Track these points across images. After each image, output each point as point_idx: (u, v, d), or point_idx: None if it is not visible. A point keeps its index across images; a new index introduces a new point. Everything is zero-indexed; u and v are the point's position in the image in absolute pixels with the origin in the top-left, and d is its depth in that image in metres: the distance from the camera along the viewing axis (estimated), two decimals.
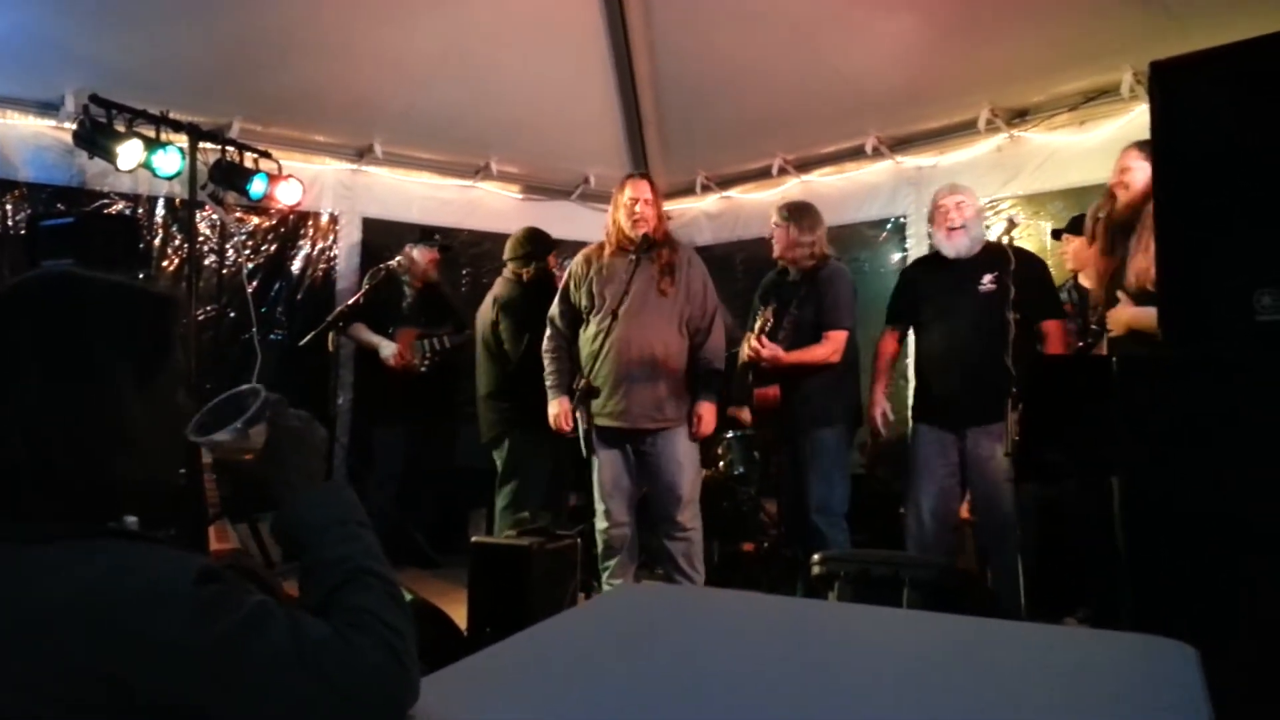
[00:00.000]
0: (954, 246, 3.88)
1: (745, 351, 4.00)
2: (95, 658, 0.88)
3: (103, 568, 0.93)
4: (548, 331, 4.04)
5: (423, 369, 5.12)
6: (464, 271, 6.30)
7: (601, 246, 3.95)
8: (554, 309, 4.04)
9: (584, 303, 3.89)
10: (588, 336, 3.86)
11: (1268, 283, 1.78)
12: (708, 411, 3.84)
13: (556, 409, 3.91)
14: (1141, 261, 3.07)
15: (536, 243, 4.85)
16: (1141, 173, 3.22)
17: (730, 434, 4.50)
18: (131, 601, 0.90)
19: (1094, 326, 3.55)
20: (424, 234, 5.55)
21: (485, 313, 4.92)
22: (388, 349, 5.06)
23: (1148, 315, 2.94)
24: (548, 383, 3.98)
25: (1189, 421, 1.82)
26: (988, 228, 4.01)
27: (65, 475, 1.00)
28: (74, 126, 4.35)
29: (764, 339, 3.85)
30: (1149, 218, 3.07)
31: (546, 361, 4.00)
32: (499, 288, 4.90)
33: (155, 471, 1.09)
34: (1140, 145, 3.31)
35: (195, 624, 0.91)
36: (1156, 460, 1.85)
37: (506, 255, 4.93)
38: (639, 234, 3.78)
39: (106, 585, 0.91)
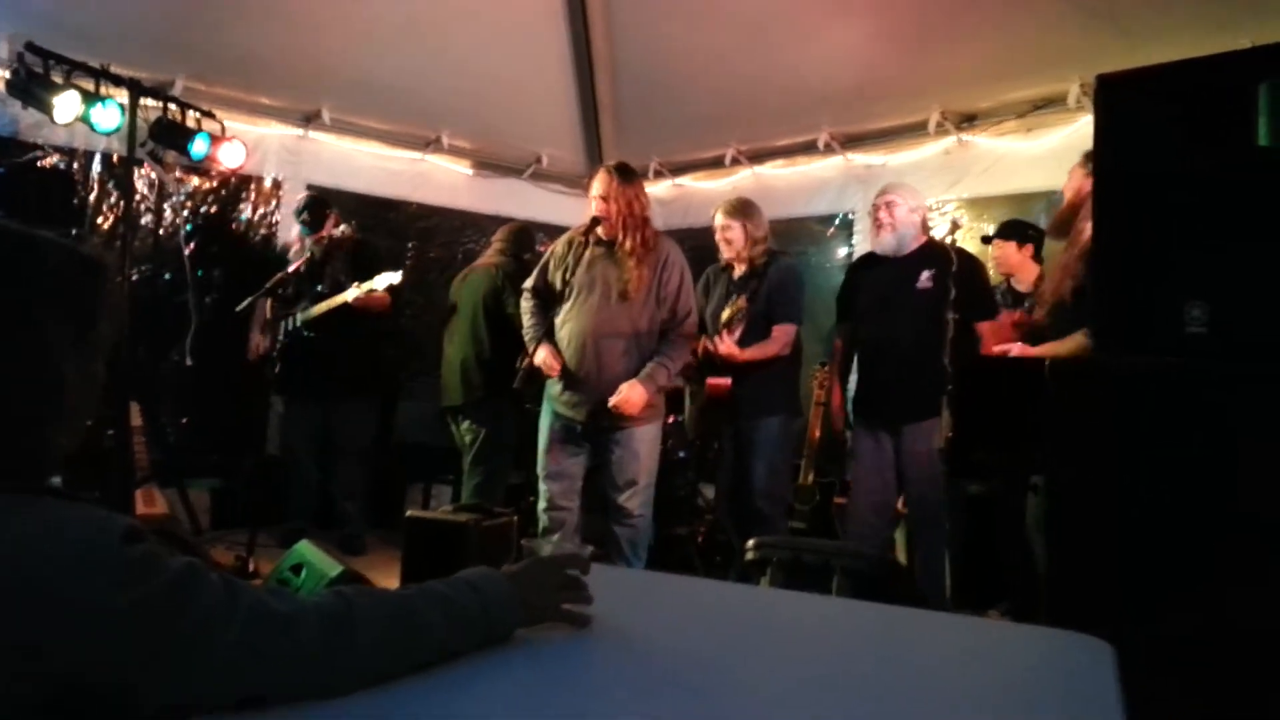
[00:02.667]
0: (880, 244, 3.99)
1: (703, 343, 4.00)
2: (14, 622, 0.86)
3: (28, 526, 0.90)
4: (525, 298, 3.96)
5: (274, 353, 4.81)
6: (410, 245, 6.23)
7: (581, 232, 3.84)
8: (530, 281, 3.96)
9: (557, 285, 3.82)
10: (557, 324, 3.80)
11: (1198, 295, 1.83)
12: (632, 391, 3.62)
13: (543, 353, 3.74)
14: (1059, 275, 3.16)
15: (521, 244, 4.94)
16: (1073, 182, 3.31)
17: (671, 419, 4.52)
18: (54, 563, 0.88)
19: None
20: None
21: (479, 280, 4.82)
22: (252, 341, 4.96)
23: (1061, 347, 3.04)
24: (528, 336, 3.83)
25: (1115, 426, 1.87)
26: (932, 228, 4.07)
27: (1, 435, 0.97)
28: (7, 75, 4.21)
29: (724, 335, 3.89)
30: (1075, 234, 3.17)
31: (526, 319, 3.90)
32: (495, 259, 4.86)
33: (78, 434, 1.06)
34: (1087, 156, 3.39)
35: (123, 585, 0.88)
36: (1081, 462, 1.90)
37: (499, 239, 5.01)
38: (596, 230, 3.72)
39: (30, 543, 0.88)
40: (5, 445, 0.97)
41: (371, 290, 4.53)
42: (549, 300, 3.85)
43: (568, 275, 3.75)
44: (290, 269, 4.71)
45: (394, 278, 4.56)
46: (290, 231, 5.35)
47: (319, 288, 4.80)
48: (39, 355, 1.00)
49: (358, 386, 4.93)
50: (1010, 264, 4.24)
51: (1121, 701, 1.10)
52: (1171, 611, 1.72)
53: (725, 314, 3.90)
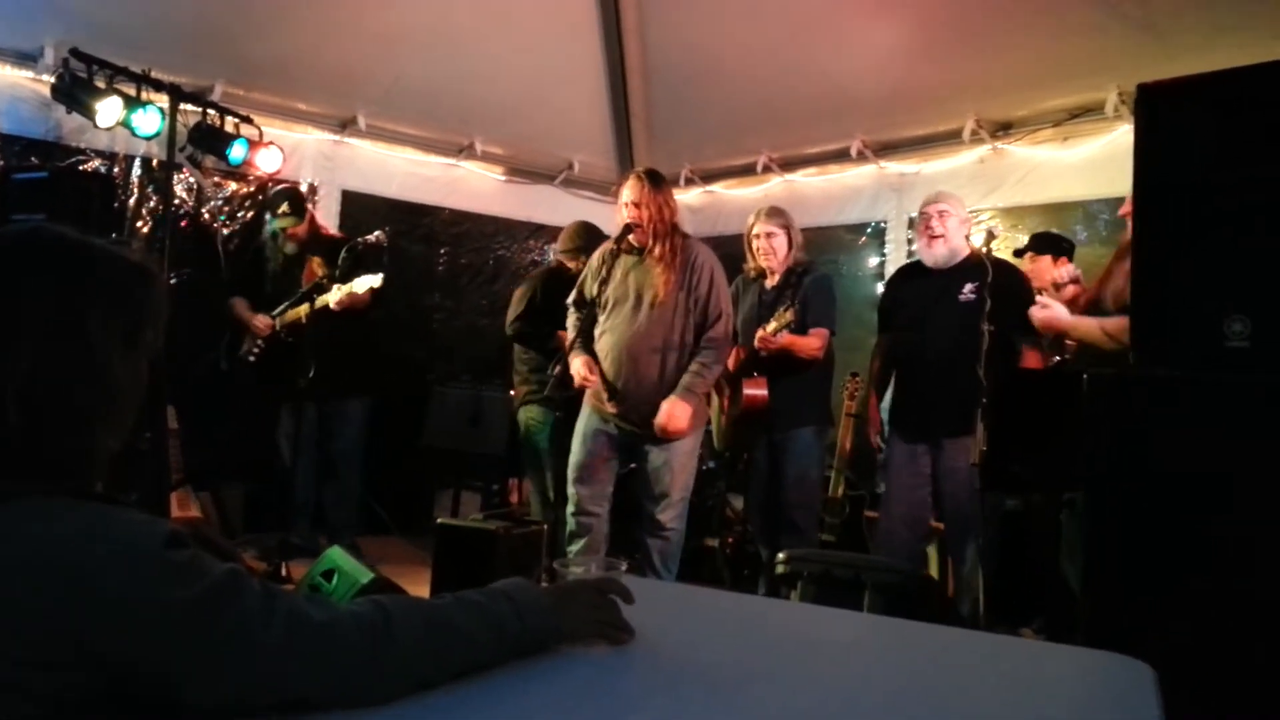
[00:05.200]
0: (932, 255, 3.91)
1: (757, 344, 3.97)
2: (63, 617, 0.88)
3: (74, 527, 0.92)
4: (570, 312, 3.96)
5: (249, 358, 4.77)
6: (442, 250, 6.27)
7: (613, 244, 3.84)
8: (571, 296, 3.94)
9: (594, 297, 3.81)
10: (596, 336, 3.79)
11: (1238, 309, 1.80)
12: (673, 408, 3.61)
13: (577, 363, 3.72)
14: (1118, 283, 3.11)
15: (590, 237, 4.70)
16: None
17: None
18: (102, 562, 0.90)
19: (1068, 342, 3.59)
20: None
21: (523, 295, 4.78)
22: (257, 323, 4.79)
23: (1083, 324, 2.99)
24: (571, 345, 3.82)
25: (1154, 441, 1.84)
26: (968, 238, 4.02)
27: (50, 437, 0.99)
28: (52, 79, 4.27)
29: (765, 332, 3.86)
30: (1127, 243, 3.12)
31: (570, 332, 3.88)
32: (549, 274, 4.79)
33: (122, 437, 1.09)
34: None
35: (165, 586, 0.90)
36: (1118, 477, 1.87)
37: (560, 248, 4.83)
38: (630, 238, 3.71)
39: (77, 545, 0.90)
40: (55, 446, 0.99)
41: (352, 292, 4.40)
42: (591, 312, 3.83)
43: (603, 287, 3.74)
44: (316, 273, 4.67)
45: (374, 280, 4.40)
46: (267, 228, 5.04)
47: (301, 288, 4.63)
48: (90, 359, 1.02)
49: (346, 387, 4.76)
50: (1045, 278, 4.17)
51: None
52: (1212, 631, 1.69)
53: (772, 326, 3.86)
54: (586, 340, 3.79)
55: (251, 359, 4.75)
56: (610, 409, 3.72)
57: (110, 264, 1.06)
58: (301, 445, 4.75)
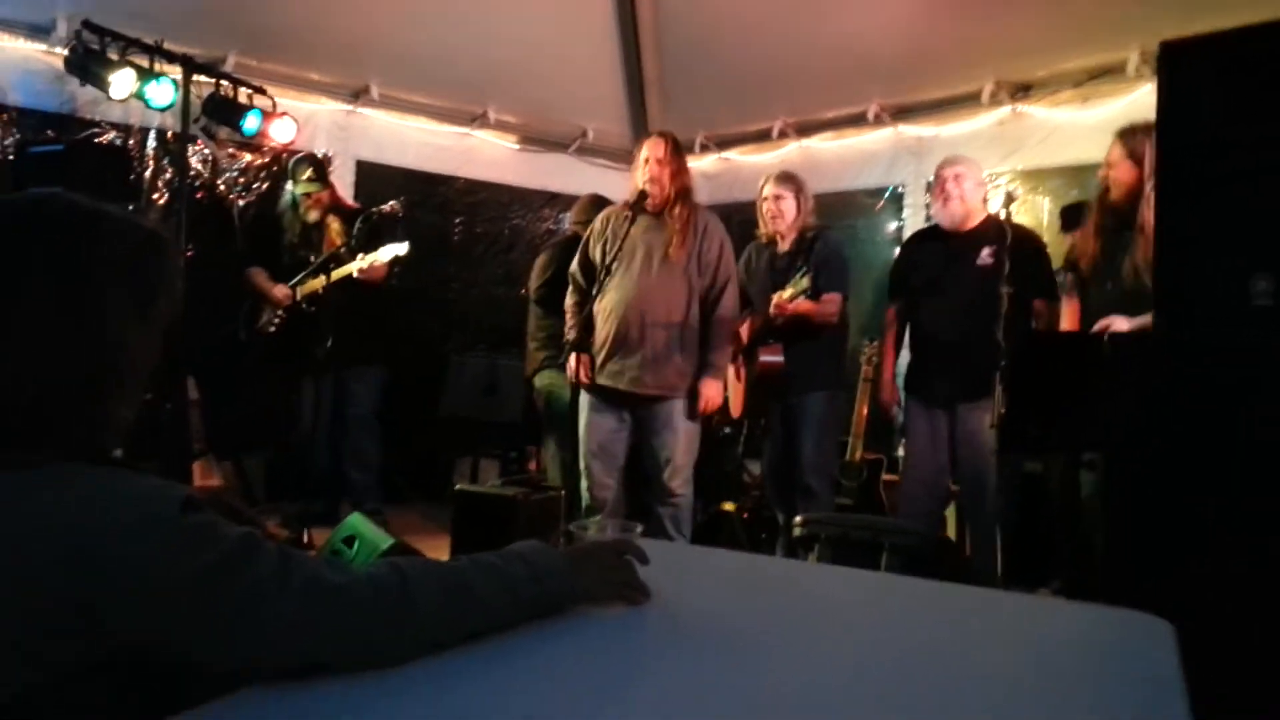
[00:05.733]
0: (948, 215, 3.89)
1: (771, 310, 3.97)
2: (73, 584, 0.88)
3: (88, 493, 0.92)
4: (570, 287, 3.99)
5: (269, 329, 4.77)
6: (457, 220, 6.26)
7: (625, 205, 3.87)
8: (574, 265, 3.98)
9: (599, 259, 3.85)
10: (597, 298, 3.82)
11: (1264, 268, 1.78)
12: (710, 389, 3.74)
13: (574, 362, 3.82)
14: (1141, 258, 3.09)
15: (604, 208, 4.75)
16: (1124, 171, 3.24)
17: None
18: (117, 526, 0.90)
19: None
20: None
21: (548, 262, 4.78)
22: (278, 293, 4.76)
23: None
24: (568, 337, 3.91)
25: (1178, 403, 1.83)
26: (985, 201, 3.99)
27: (64, 405, 0.99)
28: (65, 52, 4.27)
29: (781, 299, 3.86)
30: (1147, 227, 3.10)
31: (568, 316, 3.94)
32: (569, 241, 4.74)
33: (135, 406, 1.09)
34: (1123, 136, 3.32)
35: (181, 553, 0.91)
36: (1142, 439, 1.86)
37: (574, 219, 4.87)
38: (648, 193, 3.73)
39: (91, 510, 0.91)
40: (68, 414, 1.00)
41: (376, 261, 4.40)
42: (594, 277, 3.85)
43: (608, 248, 3.77)
44: (335, 243, 4.66)
45: (400, 249, 4.42)
46: (285, 196, 5.00)
47: (313, 257, 4.63)
48: (103, 327, 1.02)
49: (363, 355, 4.75)
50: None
51: (1183, 683, 1.08)
52: (1233, 590, 1.68)
53: (787, 293, 3.85)
54: (582, 332, 3.82)
55: (272, 330, 4.76)
56: (614, 369, 3.74)
57: (122, 232, 1.06)
58: (321, 414, 4.76)
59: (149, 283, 1.07)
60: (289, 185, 4.86)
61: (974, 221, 3.86)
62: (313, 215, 4.75)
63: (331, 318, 4.50)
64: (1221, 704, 1.22)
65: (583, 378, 3.81)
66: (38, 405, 0.98)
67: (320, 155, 5.43)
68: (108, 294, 1.02)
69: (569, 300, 3.97)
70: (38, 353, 0.98)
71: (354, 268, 4.44)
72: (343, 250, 4.53)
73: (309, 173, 4.70)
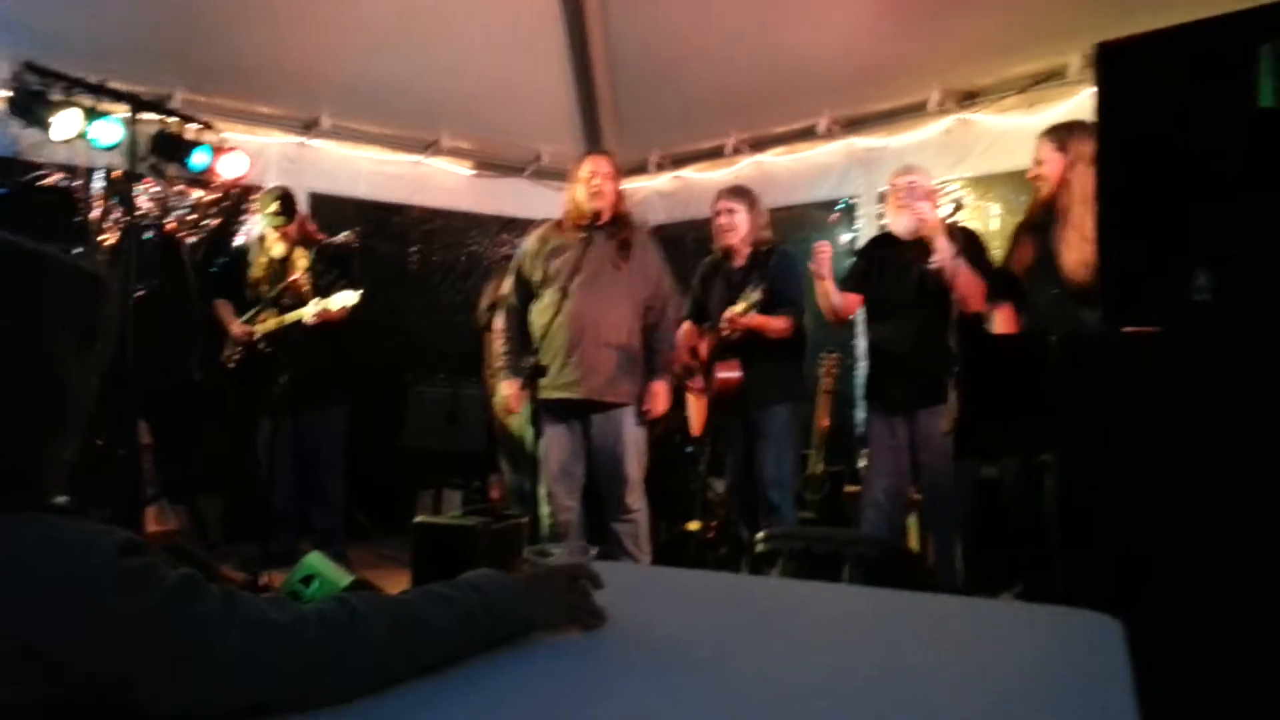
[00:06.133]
0: (901, 224, 3.92)
1: (722, 326, 3.98)
2: (19, 629, 0.86)
3: (26, 539, 0.90)
4: (502, 311, 4.01)
5: (229, 364, 4.73)
6: (413, 249, 6.23)
7: (558, 224, 3.92)
8: (506, 289, 4.01)
9: (537, 277, 3.86)
10: (539, 309, 3.83)
11: (1204, 263, 1.80)
12: (661, 389, 3.86)
13: (507, 390, 3.89)
14: (1075, 254, 3.11)
15: None
16: (1053, 165, 3.27)
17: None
18: (55, 572, 0.88)
19: None
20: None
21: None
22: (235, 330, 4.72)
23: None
24: (498, 364, 3.96)
25: (1125, 400, 1.84)
26: (936, 209, 4.02)
27: (2, 448, 0.97)
28: (8, 94, 4.21)
29: (733, 313, 3.88)
30: (1069, 213, 3.14)
31: (498, 344, 3.98)
32: None
33: (73, 451, 1.06)
34: (1051, 134, 3.36)
35: (120, 594, 0.89)
36: (1091, 438, 1.87)
37: None
38: (596, 208, 3.76)
39: (29, 556, 0.89)
40: (6, 457, 0.97)
41: (326, 309, 4.37)
42: (529, 299, 3.88)
43: (549, 264, 3.79)
44: (293, 278, 4.63)
45: (349, 299, 4.37)
46: (255, 230, 5.04)
47: (284, 300, 4.58)
48: (44, 370, 1.00)
49: (324, 396, 4.71)
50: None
51: (1131, 678, 1.08)
52: (1183, 586, 1.69)
53: (740, 306, 3.87)
54: (515, 359, 3.87)
55: (231, 366, 4.70)
56: (564, 380, 3.76)
57: (63, 273, 1.04)
58: (279, 454, 4.71)
59: (90, 325, 1.05)
60: (256, 217, 4.81)
61: (925, 229, 3.89)
62: (279, 249, 4.70)
63: (289, 357, 4.46)
64: (1170, 698, 1.22)
65: (515, 406, 3.89)
66: None
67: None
68: (49, 336, 1.01)
69: (500, 323, 3.98)
70: None
71: (306, 313, 4.40)
72: (304, 289, 4.50)
73: (274, 206, 4.64)
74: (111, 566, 0.90)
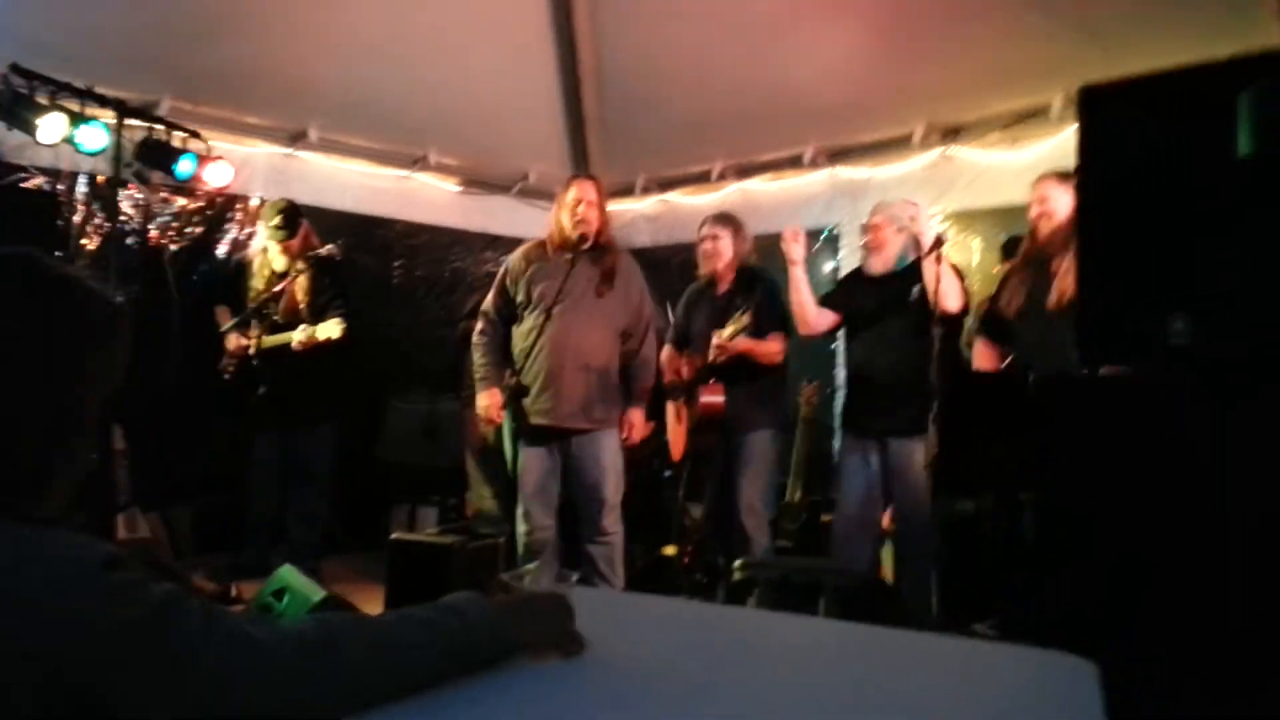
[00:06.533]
0: (870, 265, 4.02)
1: (711, 352, 3.99)
2: (8, 641, 0.87)
3: (10, 553, 0.91)
4: (479, 324, 4.00)
5: (225, 375, 4.73)
6: (397, 263, 6.21)
7: (542, 244, 3.93)
8: (488, 302, 4.00)
9: (519, 298, 3.87)
10: (521, 333, 3.84)
11: (1181, 307, 1.82)
12: (638, 418, 3.89)
13: (487, 400, 3.87)
14: (1066, 280, 3.14)
15: None
16: (1064, 201, 3.31)
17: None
18: (39, 586, 0.89)
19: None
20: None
21: None
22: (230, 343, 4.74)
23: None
24: (477, 375, 3.94)
25: (1101, 441, 1.86)
26: (918, 242, 4.05)
27: (11, 467, 0.99)
28: None
29: (721, 337, 3.92)
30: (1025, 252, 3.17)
31: (477, 354, 3.96)
32: None
33: (82, 468, 1.10)
34: (1057, 176, 3.41)
35: (104, 609, 0.89)
36: (1067, 476, 1.89)
37: None
38: (579, 234, 3.77)
39: (13, 570, 0.89)
40: (13, 474, 0.99)
41: (313, 336, 4.41)
42: (510, 317, 3.89)
43: (531, 286, 3.79)
44: (275, 287, 4.63)
45: (334, 331, 4.40)
46: (256, 241, 5.13)
47: (275, 317, 4.63)
48: (58, 390, 1.03)
49: (313, 414, 4.74)
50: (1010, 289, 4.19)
51: None
52: (1159, 628, 1.70)
53: (728, 331, 3.89)
54: (494, 370, 3.87)
55: (226, 377, 4.69)
56: (543, 405, 3.76)
57: (94, 301, 1.08)
58: (264, 466, 4.70)
59: (110, 353, 1.08)
60: (260, 228, 4.83)
61: (892, 265, 3.94)
62: (280, 263, 4.68)
63: (280, 373, 4.53)
64: None
65: (495, 416, 3.85)
66: None
67: (256, 200, 5.41)
68: (68, 358, 1.04)
69: (477, 337, 3.98)
70: None
71: (294, 338, 4.44)
72: (301, 306, 4.55)
73: (276, 220, 4.65)
74: (96, 581, 0.91)
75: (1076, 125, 2.03)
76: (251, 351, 4.63)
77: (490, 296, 4.01)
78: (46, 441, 1.02)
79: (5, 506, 0.97)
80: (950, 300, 3.60)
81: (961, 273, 3.97)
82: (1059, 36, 4.14)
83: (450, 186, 6.27)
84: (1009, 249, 4.43)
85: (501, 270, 4.05)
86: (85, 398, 1.06)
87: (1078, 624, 1.81)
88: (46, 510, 1.02)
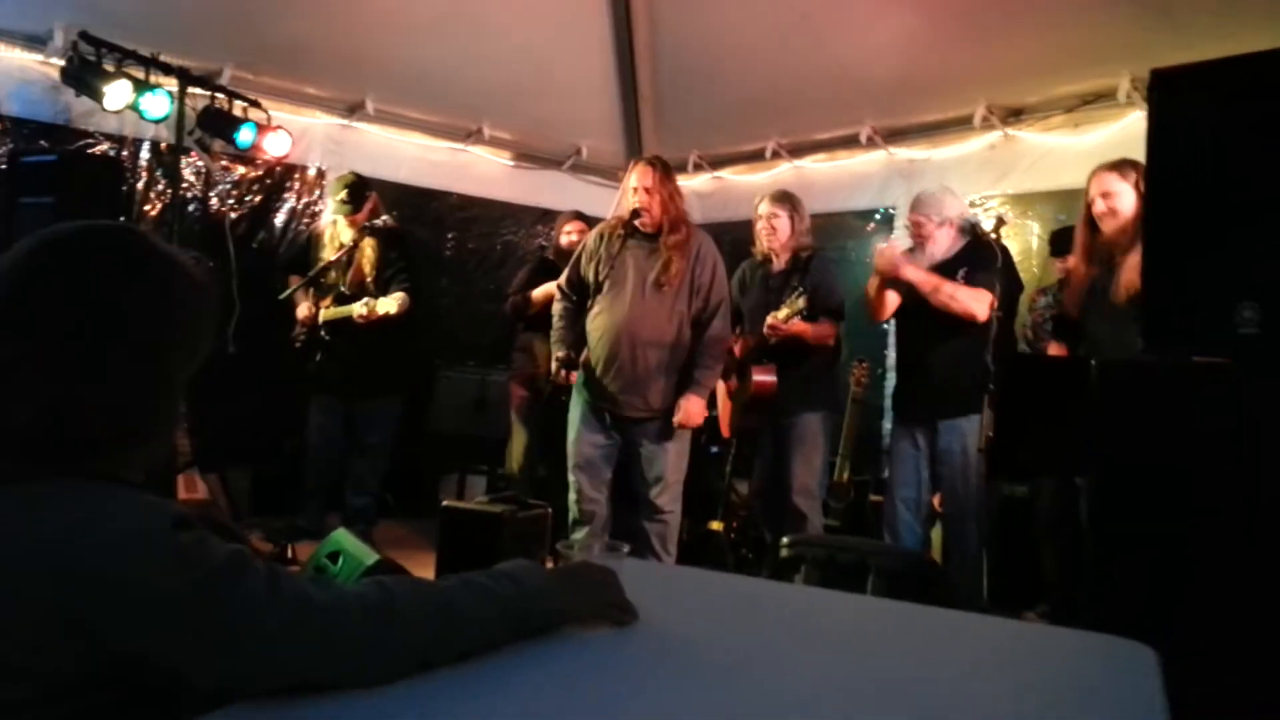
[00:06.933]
0: (919, 259, 3.94)
1: (743, 339, 3.98)
2: (63, 599, 0.88)
3: (79, 509, 0.93)
4: (557, 296, 4.01)
5: (295, 344, 4.79)
6: (449, 235, 6.27)
7: (618, 224, 3.87)
8: (563, 277, 4.00)
9: (590, 278, 3.85)
10: (590, 314, 3.83)
11: (1250, 295, 1.79)
12: (692, 405, 3.72)
13: (558, 363, 3.82)
14: (1131, 274, 3.08)
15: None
16: (1128, 196, 3.24)
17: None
18: (108, 544, 0.91)
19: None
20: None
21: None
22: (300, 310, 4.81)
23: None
24: (554, 337, 3.92)
25: (1163, 427, 1.84)
26: (962, 230, 3.99)
27: (94, 433, 1.00)
28: (62, 63, 4.27)
29: (776, 319, 3.88)
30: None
31: (556, 320, 3.95)
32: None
33: (167, 436, 1.13)
34: (1114, 167, 3.32)
35: (172, 569, 0.91)
36: (1127, 463, 1.87)
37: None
38: (636, 222, 3.74)
39: (83, 528, 0.91)
40: (92, 431, 1.00)
41: (374, 310, 4.47)
42: (583, 294, 3.87)
43: (600, 268, 3.77)
44: (334, 257, 4.69)
45: (392, 306, 4.49)
46: (325, 214, 5.25)
47: (342, 288, 4.71)
48: (155, 362, 1.05)
49: (377, 387, 4.81)
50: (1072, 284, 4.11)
51: (1166, 709, 1.08)
52: (1218, 617, 1.68)
53: (783, 312, 3.87)
54: (569, 332, 3.84)
55: (297, 345, 4.78)
56: (605, 390, 3.74)
57: (190, 278, 1.10)
58: (322, 435, 4.79)
59: (200, 327, 1.11)
60: (329, 202, 4.91)
61: (937, 259, 3.88)
62: (348, 235, 4.74)
63: (341, 345, 4.62)
64: None
65: (566, 378, 3.83)
66: (65, 427, 0.98)
67: (313, 171, 5.49)
68: (165, 333, 1.06)
69: (556, 308, 3.97)
70: (94, 379, 1.00)
71: (356, 310, 4.50)
72: (368, 279, 4.63)
73: (342, 194, 4.70)
74: (165, 539, 0.93)
75: (1143, 110, 1.99)
76: (318, 321, 4.70)
77: (566, 271, 4.00)
78: (136, 408, 1.04)
79: (87, 466, 0.99)
80: (978, 308, 3.57)
81: (994, 255, 3.90)
82: (1127, 18, 4.04)
83: (503, 160, 6.31)
84: (1057, 243, 4.36)
85: (579, 246, 4.04)
86: (174, 368, 1.08)
87: (1133, 609, 1.80)
88: (129, 474, 1.04)
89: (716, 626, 1.38)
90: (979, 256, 3.69)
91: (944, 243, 3.88)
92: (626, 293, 3.71)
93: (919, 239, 3.91)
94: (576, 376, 3.83)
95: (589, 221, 5.05)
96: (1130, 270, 3.09)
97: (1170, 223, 1.94)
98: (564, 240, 5.07)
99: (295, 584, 0.99)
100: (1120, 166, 3.29)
